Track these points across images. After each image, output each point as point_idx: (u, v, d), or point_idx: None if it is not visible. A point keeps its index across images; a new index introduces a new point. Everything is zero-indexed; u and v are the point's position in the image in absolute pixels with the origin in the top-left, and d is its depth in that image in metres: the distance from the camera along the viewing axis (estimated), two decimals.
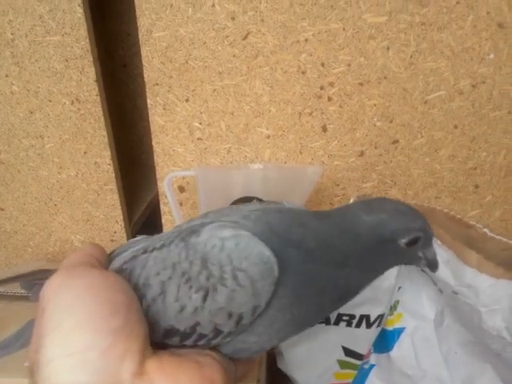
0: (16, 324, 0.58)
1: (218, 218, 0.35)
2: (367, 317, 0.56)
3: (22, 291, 0.64)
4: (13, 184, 0.81)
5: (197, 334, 0.31)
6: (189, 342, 0.32)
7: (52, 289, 0.28)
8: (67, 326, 0.26)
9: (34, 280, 0.40)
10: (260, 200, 0.60)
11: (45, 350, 0.25)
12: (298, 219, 0.35)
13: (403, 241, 0.34)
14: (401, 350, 0.63)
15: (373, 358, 0.65)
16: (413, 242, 0.34)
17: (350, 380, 0.62)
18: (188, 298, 0.31)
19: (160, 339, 0.32)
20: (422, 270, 0.64)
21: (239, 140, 0.71)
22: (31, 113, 0.76)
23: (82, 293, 0.27)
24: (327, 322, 0.56)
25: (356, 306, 0.55)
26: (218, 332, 0.31)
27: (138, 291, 0.32)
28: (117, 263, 0.37)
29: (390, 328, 0.64)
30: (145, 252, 0.35)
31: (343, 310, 0.55)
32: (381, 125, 0.68)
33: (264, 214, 0.35)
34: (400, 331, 0.64)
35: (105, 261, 0.36)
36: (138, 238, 0.43)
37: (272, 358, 0.61)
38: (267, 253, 0.30)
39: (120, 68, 1.05)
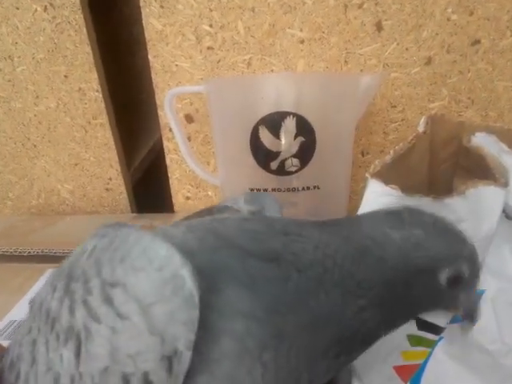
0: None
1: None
2: None
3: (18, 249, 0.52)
4: None
5: None
6: None
7: None
8: None
9: None
10: (295, 115, 0.43)
11: None
12: (281, 228, 0.24)
13: (444, 275, 0.24)
14: (479, 319, 0.48)
15: None
16: (457, 280, 0.25)
17: (421, 361, 0.47)
18: (59, 360, 0.20)
19: None
20: (506, 217, 0.48)
21: (263, 47, 0.55)
22: None
23: None
24: None
25: None
26: None
27: (12, 373, 0.23)
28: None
29: None
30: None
31: None
32: (457, 18, 0.52)
33: (221, 223, 0.24)
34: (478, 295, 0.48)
35: None
36: None
37: None
38: (168, 252, 0.19)
39: None
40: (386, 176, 0.35)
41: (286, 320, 0.21)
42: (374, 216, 0.26)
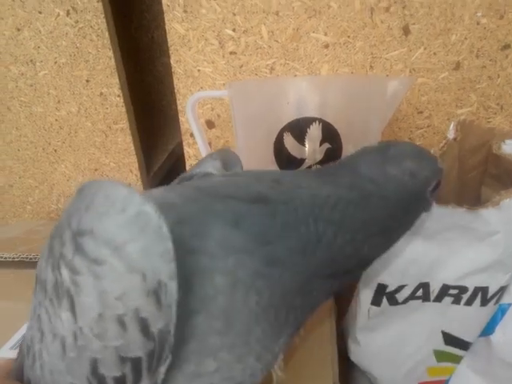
0: None
1: None
2: (484, 290, 0.39)
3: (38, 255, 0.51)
4: (3, 125, 0.67)
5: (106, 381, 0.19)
6: None
7: None
8: None
9: None
10: (321, 121, 0.41)
11: None
12: (273, 177, 0.25)
13: (430, 188, 0.28)
14: (505, 333, 0.47)
15: None
16: (436, 188, 0.29)
17: (447, 377, 0.45)
18: (60, 322, 0.20)
19: None
20: None
21: (286, 52, 0.53)
22: (18, 30, 0.60)
23: None
24: (425, 297, 0.38)
25: (470, 275, 0.38)
26: (135, 363, 0.19)
27: (29, 358, 0.23)
28: None
29: None
30: None
31: (451, 280, 0.37)
32: (486, 22, 0.50)
33: (202, 180, 0.27)
34: (504, 309, 0.47)
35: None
36: None
37: (344, 348, 0.44)
38: (128, 193, 0.19)
39: None
40: None
41: (276, 248, 0.22)
42: (368, 158, 0.28)
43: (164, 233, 0.18)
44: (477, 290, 0.38)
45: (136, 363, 0.19)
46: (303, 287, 0.23)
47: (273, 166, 0.45)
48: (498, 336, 0.45)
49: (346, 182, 0.26)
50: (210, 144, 0.59)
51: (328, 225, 0.23)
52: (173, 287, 0.18)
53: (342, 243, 0.24)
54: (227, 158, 0.33)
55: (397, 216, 0.27)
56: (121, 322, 0.18)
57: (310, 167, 0.43)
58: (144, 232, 0.18)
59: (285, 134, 0.43)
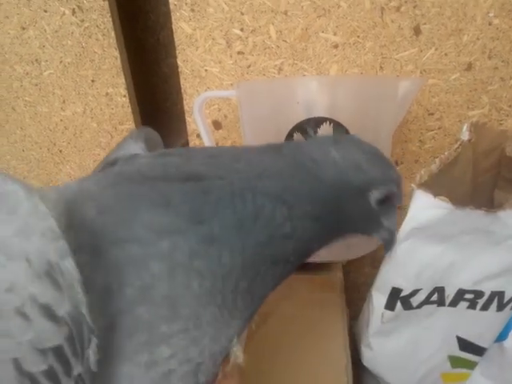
0: None
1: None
2: (500, 294, 0.38)
3: None
4: (7, 125, 0.66)
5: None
6: None
7: None
8: None
9: None
10: (331, 121, 0.41)
11: None
12: (211, 153, 0.26)
13: (376, 194, 0.27)
14: None
15: None
16: (385, 200, 0.27)
17: (462, 383, 0.44)
18: None
19: None
20: None
21: (295, 52, 0.53)
22: (23, 29, 0.60)
23: None
24: (440, 301, 0.37)
25: (486, 279, 0.37)
26: (56, 352, 0.17)
27: None
28: None
29: None
30: None
31: (467, 285, 0.36)
32: (499, 23, 0.49)
33: (126, 164, 0.25)
34: None
35: None
36: None
37: (356, 353, 0.43)
38: (12, 185, 0.17)
39: None
40: (433, 187, 0.33)
41: (211, 225, 0.21)
42: (320, 140, 0.28)
43: (40, 210, 0.17)
44: (493, 294, 0.38)
45: (58, 352, 0.17)
46: (247, 271, 0.23)
47: None
48: (511, 342, 0.44)
49: (287, 156, 0.26)
50: (216, 145, 0.58)
51: (265, 197, 0.23)
52: (67, 266, 0.17)
53: (280, 220, 0.24)
54: (149, 138, 0.32)
55: (328, 204, 0.26)
56: (21, 314, 0.17)
57: None
58: (15, 213, 0.16)
59: (295, 134, 0.42)
